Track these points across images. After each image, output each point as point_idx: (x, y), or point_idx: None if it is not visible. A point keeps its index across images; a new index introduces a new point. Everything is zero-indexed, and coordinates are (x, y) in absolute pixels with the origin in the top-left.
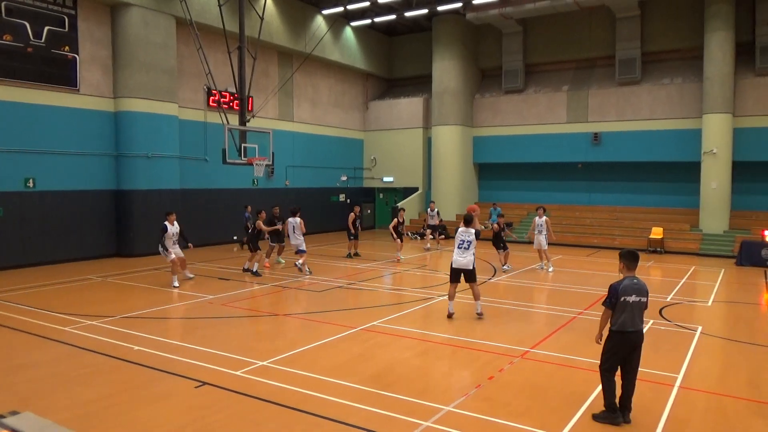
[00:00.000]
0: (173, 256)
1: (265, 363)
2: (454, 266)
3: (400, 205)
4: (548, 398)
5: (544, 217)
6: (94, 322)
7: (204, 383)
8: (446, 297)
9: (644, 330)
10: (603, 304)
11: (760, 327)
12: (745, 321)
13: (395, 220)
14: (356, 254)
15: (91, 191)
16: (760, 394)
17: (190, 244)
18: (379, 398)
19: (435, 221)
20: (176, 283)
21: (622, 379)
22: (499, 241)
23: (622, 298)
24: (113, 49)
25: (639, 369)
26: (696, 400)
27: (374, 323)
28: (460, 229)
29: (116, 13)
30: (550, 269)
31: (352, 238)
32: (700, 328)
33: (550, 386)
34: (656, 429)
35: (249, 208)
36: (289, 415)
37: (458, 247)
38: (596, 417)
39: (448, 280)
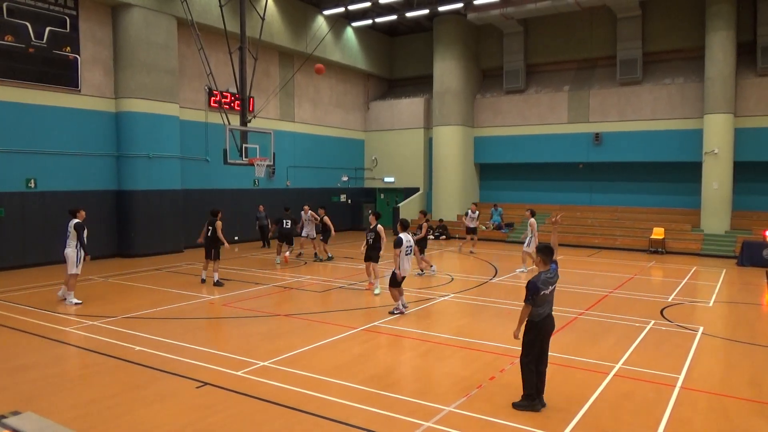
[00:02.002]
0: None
1: (265, 363)
2: (404, 274)
3: (401, 205)
4: (549, 399)
5: (531, 219)
6: (95, 323)
7: (205, 383)
8: (447, 297)
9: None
10: (525, 301)
11: (761, 327)
12: (746, 321)
13: (425, 227)
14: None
15: (93, 191)
16: (762, 394)
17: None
18: (380, 399)
19: (474, 224)
20: (76, 300)
21: (537, 365)
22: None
23: (542, 293)
24: (114, 50)
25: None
26: (698, 401)
27: (375, 323)
28: (406, 236)
29: (117, 13)
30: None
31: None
32: (701, 329)
33: (551, 387)
34: (658, 429)
35: (262, 207)
36: (290, 415)
37: (407, 255)
38: (516, 405)
39: (390, 285)
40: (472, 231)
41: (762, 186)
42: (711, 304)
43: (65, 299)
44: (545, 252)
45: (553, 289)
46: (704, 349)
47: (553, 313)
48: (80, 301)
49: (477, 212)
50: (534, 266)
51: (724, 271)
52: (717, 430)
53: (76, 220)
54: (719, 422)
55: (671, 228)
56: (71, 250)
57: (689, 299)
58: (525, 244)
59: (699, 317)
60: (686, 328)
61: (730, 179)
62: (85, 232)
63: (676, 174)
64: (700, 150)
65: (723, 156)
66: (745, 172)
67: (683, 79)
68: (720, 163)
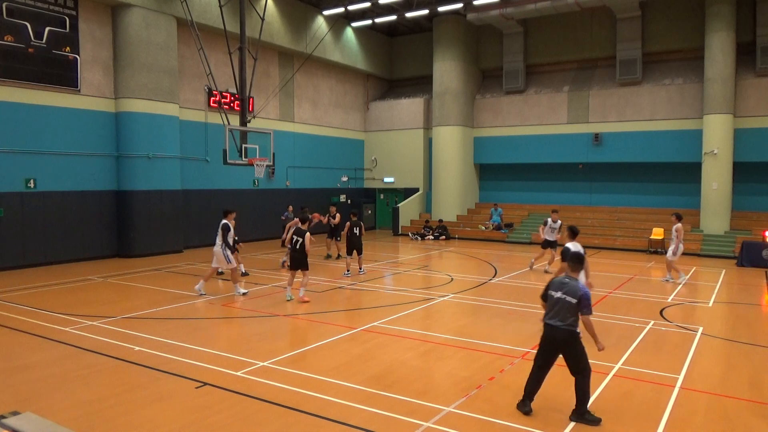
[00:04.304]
0: (235, 263)
1: (265, 363)
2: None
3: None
4: (548, 399)
5: (678, 225)
6: (94, 323)
7: (204, 384)
8: (446, 297)
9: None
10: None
11: (761, 328)
12: (746, 322)
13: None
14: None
15: (92, 192)
16: (762, 394)
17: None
18: (379, 399)
19: (554, 236)
20: (243, 290)
21: (540, 371)
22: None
23: (549, 292)
24: (114, 50)
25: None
26: (697, 401)
27: (375, 324)
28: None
29: (117, 13)
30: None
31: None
32: (701, 329)
33: (550, 387)
34: (657, 430)
35: (291, 207)
36: (290, 415)
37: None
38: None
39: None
40: (550, 245)
41: (762, 186)
42: (711, 305)
43: (202, 294)
44: (574, 260)
45: (566, 299)
46: (704, 349)
47: (557, 325)
48: (246, 291)
49: (559, 222)
50: (675, 276)
51: (724, 271)
52: (716, 430)
53: (224, 221)
54: (719, 423)
55: (671, 228)
56: (217, 248)
57: (689, 300)
58: (669, 253)
59: (698, 317)
60: (686, 329)
61: (729, 180)
62: (231, 232)
63: (676, 174)
64: (700, 150)
65: (722, 156)
66: (744, 173)
67: (683, 79)
68: (719, 164)
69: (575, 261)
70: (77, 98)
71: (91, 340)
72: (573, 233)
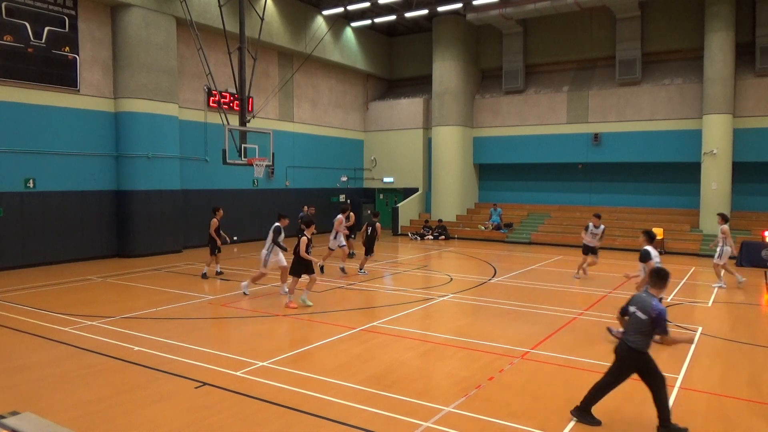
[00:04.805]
0: (285, 262)
1: (265, 363)
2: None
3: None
4: (548, 399)
5: (724, 226)
6: (94, 323)
7: (204, 384)
8: (446, 297)
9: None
10: (665, 332)
11: (760, 328)
12: (745, 322)
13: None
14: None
15: (92, 192)
16: (761, 394)
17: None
18: (379, 399)
19: (595, 242)
20: (286, 291)
21: (606, 387)
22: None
23: (628, 307)
24: (114, 50)
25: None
26: (697, 401)
27: (374, 324)
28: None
29: (117, 13)
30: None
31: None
32: (700, 329)
33: (550, 387)
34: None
35: (306, 208)
36: (290, 415)
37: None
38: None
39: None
40: (590, 250)
41: (761, 186)
42: (710, 305)
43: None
44: (654, 277)
45: (636, 315)
46: (703, 349)
47: (623, 340)
48: (247, 292)
49: (602, 227)
50: (729, 280)
51: (723, 271)
52: (716, 430)
53: (276, 224)
54: (718, 422)
55: (670, 228)
56: (265, 251)
57: (688, 300)
58: (716, 256)
59: (698, 317)
60: (685, 329)
61: (729, 179)
62: (281, 236)
63: (675, 174)
64: (699, 150)
65: (722, 156)
66: (744, 173)
67: (682, 79)
68: (719, 164)
69: (656, 278)
70: (77, 98)
71: (90, 340)
72: (650, 237)
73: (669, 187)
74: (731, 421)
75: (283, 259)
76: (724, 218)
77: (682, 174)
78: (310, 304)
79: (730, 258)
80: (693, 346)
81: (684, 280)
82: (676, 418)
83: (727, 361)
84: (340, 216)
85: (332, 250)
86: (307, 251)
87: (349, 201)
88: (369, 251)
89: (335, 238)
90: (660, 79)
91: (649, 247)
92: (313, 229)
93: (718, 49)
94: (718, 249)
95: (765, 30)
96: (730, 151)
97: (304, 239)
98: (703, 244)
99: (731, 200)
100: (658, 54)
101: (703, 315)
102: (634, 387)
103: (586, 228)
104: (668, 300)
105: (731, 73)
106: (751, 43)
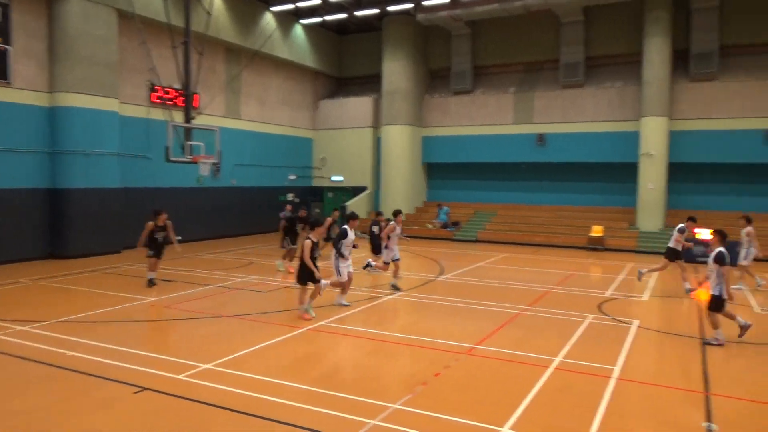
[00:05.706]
0: (346, 274)
1: (209, 366)
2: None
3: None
4: (492, 393)
5: (748, 228)
6: (25, 328)
7: (144, 389)
8: (393, 295)
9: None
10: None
11: (692, 320)
12: (678, 314)
13: (392, 226)
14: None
15: (23, 189)
16: (692, 383)
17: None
18: (327, 398)
19: (679, 246)
20: (345, 302)
21: None
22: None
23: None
24: (50, 42)
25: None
26: (632, 391)
27: (321, 323)
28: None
29: (54, 4)
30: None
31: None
32: (636, 322)
33: (494, 381)
34: (594, 419)
35: (289, 207)
36: (237, 419)
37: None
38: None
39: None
40: (675, 254)
41: (694, 186)
42: (646, 299)
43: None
44: (717, 233)
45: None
46: (639, 341)
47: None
48: (345, 303)
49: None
50: (751, 283)
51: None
52: (650, 418)
53: (344, 227)
54: (653, 411)
55: (609, 226)
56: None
57: (625, 294)
58: (741, 257)
59: (634, 311)
60: (622, 322)
61: (664, 179)
62: (347, 239)
63: (615, 174)
64: (637, 151)
65: (658, 157)
66: (678, 173)
67: (622, 82)
68: (655, 164)
69: (724, 237)
70: (8, 91)
71: (21, 346)
72: (723, 237)
73: (608, 186)
74: (664, 409)
75: (350, 266)
76: (748, 220)
77: (621, 174)
78: (314, 315)
79: (655, 253)
80: (629, 339)
81: (622, 276)
82: (612, 408)
83: (661, 352)
84: (392, 223)
85: (387, 264)
86: (312, 256)
87: (298, 200)
88: (376, 251)
89: (386, 247)
90: (602, 81)
91: (722, 248)
92: (320, 231)
93: (656, 53)
94: (744, 251)
95: (699, 37)
96: (666, 153)
97: (308, 243)
98: (640, 241)
99: (667, 199)
100: (601, 58)
101: (639, 309)
102: (573, 378)
103: (681, 231)
104: (607, 295)
105: (667, 76)
106: (686, 50)
